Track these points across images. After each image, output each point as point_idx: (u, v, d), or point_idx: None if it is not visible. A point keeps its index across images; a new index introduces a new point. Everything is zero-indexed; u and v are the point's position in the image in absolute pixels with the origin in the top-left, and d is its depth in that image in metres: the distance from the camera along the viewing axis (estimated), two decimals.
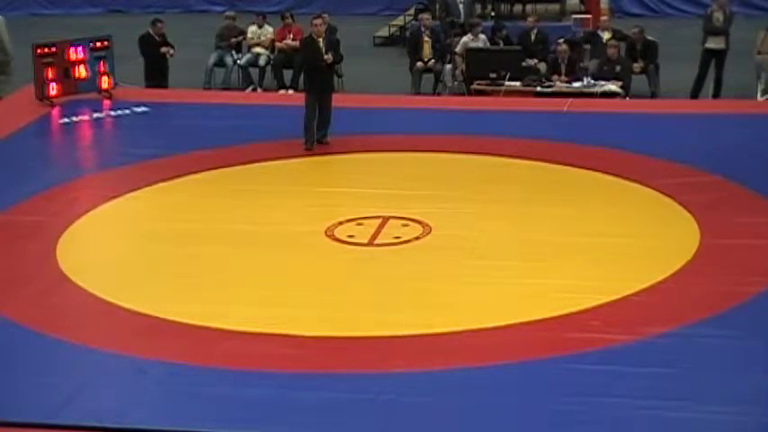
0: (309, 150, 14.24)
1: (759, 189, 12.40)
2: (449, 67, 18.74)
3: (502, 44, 19.04)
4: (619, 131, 14.75)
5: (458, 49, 18.58)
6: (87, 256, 11.37)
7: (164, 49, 18.01)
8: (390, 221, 11.91)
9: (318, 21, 14.68)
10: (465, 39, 18.76)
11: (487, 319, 9.61)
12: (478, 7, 22.20)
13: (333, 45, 14.65)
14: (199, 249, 11.34)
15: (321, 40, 14.46)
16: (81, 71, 16.53)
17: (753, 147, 13.92)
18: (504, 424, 8.14)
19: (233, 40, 19.93)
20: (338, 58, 14.93)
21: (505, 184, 13.09)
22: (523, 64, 18.12)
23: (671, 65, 18.74)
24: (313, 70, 14.48)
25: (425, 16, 19.85)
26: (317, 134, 14.39)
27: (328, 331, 9.49)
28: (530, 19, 19.61)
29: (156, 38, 18.06)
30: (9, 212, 12.32)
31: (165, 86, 18.03)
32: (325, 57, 14.28)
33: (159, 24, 18.25)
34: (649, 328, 9.36)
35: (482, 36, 18.83)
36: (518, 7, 23.02)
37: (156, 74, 18.02)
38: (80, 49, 16.56)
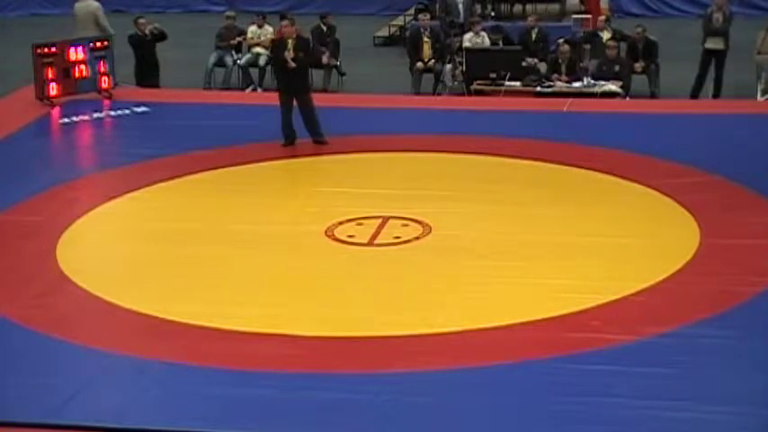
0: (285, 146, 14.32)
1: (759, 189, 12.39)
2: (449, 67, 18.75)
3: (501, 44, 19.04)
4: (619, 131, 14.74)
5: (465, 45, 18.57)
6: (87, 256, 11.37)
7: (150, 28, 17.93)
8: (390, 221, 11.91)
9: (285, 22, 14.91)
10: (467, 36, 18.77)
11: (487, 319, 9.60)
12: (479, 7, 22.20)
13: (303, 47, 14.61)
14: (199, 249, 11.34)
15: (290, 41, 14.43)
16: (81, 71, 16.53)
17: (753, 147, 13.92)
18: (504, 424, 8.14)
19: (233, 41, 19.93)
20: (306, 60, 14.69)
21: (505, 184, 13.08)
22: (523, 64, 18.13)
23: (671, 65, 18.74)
24: (280, 71, 14.58)
25: (425, 16, 19.88)
26: (311, 137, 14.39)
27: (328, 331, 9.49)
28: (531, 18, 19.56)
29: (144, 35, 18.01)
30: (9, 212, 12.32)
31: (157, 85, 18.00)
32: (287, 54, 14.23)
33: (141, 21, 18.24)
34: (649, 328, 9.35)
35: (483, 34, 18.84)
36: (518, 7, 23.04)
37: (148, 72, 17.99)
38: (80, 49, 16.56)
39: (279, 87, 14.67)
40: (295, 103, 14.36)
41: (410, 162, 14.00)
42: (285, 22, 14.92)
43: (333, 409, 8.29)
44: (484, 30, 19.10)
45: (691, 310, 9.71)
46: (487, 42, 18.84)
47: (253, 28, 20.10)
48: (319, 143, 14.42)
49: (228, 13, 20.69)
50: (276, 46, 14.97)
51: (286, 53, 14.28)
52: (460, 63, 18.39)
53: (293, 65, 14.27)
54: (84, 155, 15.02)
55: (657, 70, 18.40)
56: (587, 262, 10.80)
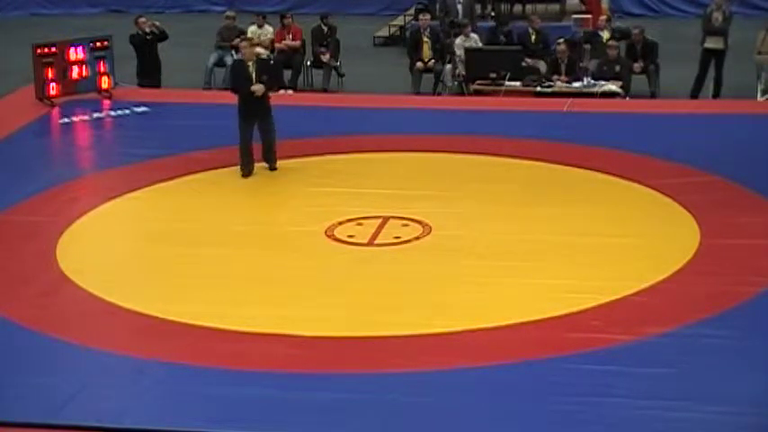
0: (246, 177, 13.36)
1: (759, 189, 12.40)
2: (449, 67, 18.74)
3: (504, 39, 19.02)
4: (619, 131, 14.74)
5: (457, 51, 18.55)
6: (87, 256, 11.37)
7: (149, 24, 17.87)
8: (390, 221, 11.91)
9: (244, 44, 13.80)
10: (458, 41, 18.75)
11: (487, 318, 9.61)
12: (479, 7, 22.17)
13: (267, 69, 13.70)
14: (199, 249, 11.35)
15: (251, 64, 13.46)
16: (81, 71, 16.53)
17: (753, 147, 13.92)
18: (504, 424, 8.14)
19: (233, 41, 19.90)
20: (271, 83, 13.65)
21: (505, 184, 13.08)
22: (523, 64, 18.12)
23: (671, 65, 18.74)
24: (241, 96, 13.40)
25: (425, 16, 19.87)
26: (267, 165, 13.60)
27: (328, 331, 9.49)
28: (536, 19, 19.49)
29: (145, 34, 17.95)
30: (9, 212, 12.32)
31: (158, 84, 17.99)
32: (253, 87, 13.21)
33: (141, 20, 18.22)
34: (649, 328, 9.36)
35: (473, 36, 18.81)
36: (518, 7, 23.02)
37: (149, 72, 17.97)
38: (80, 49, 16.56)
39: (240, 113, 13.40)
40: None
41: (410, 162, 13.99)
42: (244, 44, 13.78)
43: (333, 409, 8.30)
44: (480, 31, 19.06)
45: (691, 310, 9.71)
46: (479, 43, 18.78)
47: (253, 28, 20.08)
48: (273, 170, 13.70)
49: (228, 13, 20.68)
50: (233, 69, 13.98)
51: (254, 87, 13.22)
52: (460, 63, 18.37)
53: (261, 90, 13.26)
54: (84, 155, 15.02)
55: (657, 70, 18.39)
56: (587, 262, 10.80)
